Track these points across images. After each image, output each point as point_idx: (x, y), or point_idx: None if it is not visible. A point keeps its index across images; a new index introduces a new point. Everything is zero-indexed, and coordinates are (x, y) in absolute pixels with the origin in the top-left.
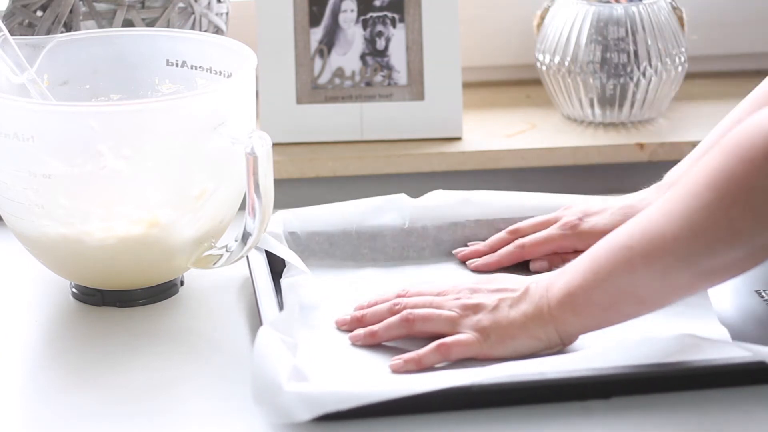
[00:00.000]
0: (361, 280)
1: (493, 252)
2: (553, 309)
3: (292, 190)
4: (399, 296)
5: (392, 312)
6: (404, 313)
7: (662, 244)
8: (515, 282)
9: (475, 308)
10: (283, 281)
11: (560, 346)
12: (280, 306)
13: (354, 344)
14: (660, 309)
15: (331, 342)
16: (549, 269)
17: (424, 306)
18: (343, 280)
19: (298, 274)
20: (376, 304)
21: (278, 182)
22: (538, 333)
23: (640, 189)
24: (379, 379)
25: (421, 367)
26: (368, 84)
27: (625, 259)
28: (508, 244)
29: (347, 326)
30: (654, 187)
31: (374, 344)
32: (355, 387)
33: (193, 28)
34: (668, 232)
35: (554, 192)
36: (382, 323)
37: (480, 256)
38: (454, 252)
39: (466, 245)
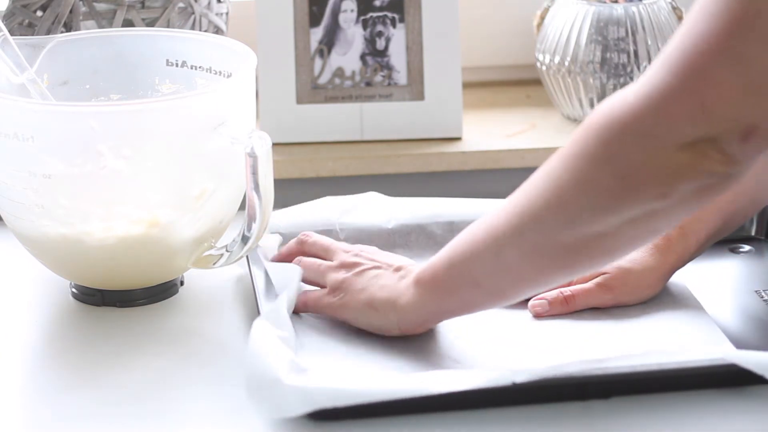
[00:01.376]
0: None
1: None
2: (403, 287)
3: (292, 190)
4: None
5: (297, 242)
6: (300, 236)
7: (498, 214)
8: (408, 262)
9: (350, 266)
10: (277, 285)
11: (396, 331)
12: None
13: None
14: (501, 300)
15: (328, 341)
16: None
17: (321, 247)
18: None
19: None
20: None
21: (278, 182)
22: (378, 305)
23: None
24: (376, 377)
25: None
26: (368, 84)
27: (469, 237)
28: None
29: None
30: None
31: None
32: (352, 384)
33: (193, 28)
34: (512, 199)
35: None
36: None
37: None
38: None
39: None
